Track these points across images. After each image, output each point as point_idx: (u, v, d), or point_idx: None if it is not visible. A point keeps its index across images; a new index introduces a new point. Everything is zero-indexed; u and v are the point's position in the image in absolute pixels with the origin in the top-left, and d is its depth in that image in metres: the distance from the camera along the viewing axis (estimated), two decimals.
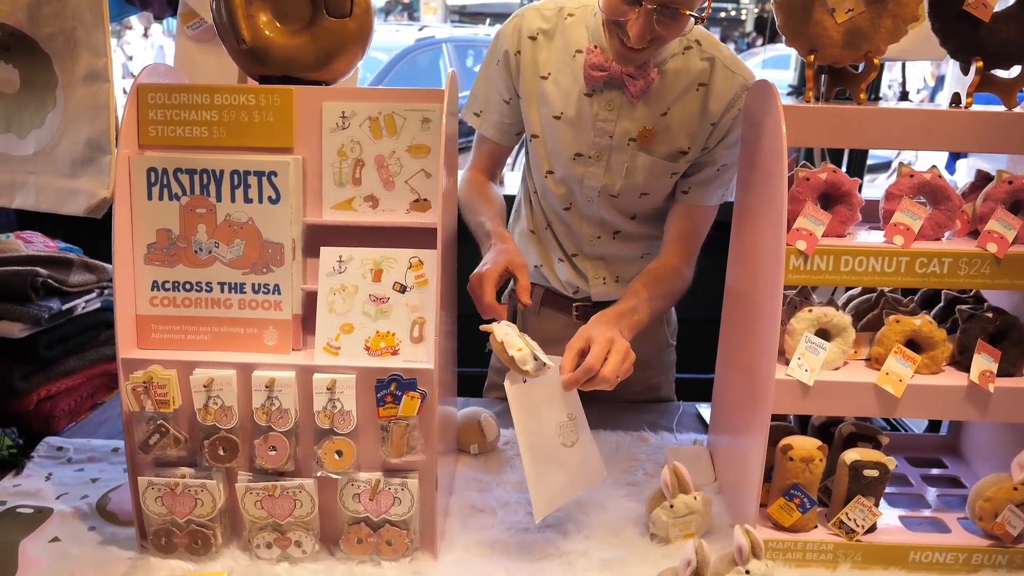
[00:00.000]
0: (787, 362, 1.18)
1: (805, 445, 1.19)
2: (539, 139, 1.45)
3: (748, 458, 1.23)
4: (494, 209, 1.41)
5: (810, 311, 1.20)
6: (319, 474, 1.14)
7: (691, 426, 1.60)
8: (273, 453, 1.14)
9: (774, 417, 1.16)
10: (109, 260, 1.18)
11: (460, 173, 1.48)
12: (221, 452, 1.14)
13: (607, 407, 1.63)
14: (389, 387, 1.11)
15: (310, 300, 1.17)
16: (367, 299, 1.14)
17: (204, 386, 1.12)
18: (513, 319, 1.27)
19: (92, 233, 1.60)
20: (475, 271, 1.28)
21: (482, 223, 1.39)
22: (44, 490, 1.33)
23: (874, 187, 1.33)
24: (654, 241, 1.51)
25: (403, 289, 1.14)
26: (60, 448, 1.45)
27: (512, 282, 1.32)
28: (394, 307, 1.14)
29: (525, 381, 1.15)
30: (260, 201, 1.15)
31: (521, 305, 1.28)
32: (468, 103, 1.48)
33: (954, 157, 3.15)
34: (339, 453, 1.14)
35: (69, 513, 1.27)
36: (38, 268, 1.51)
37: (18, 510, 1.27)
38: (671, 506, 1.22)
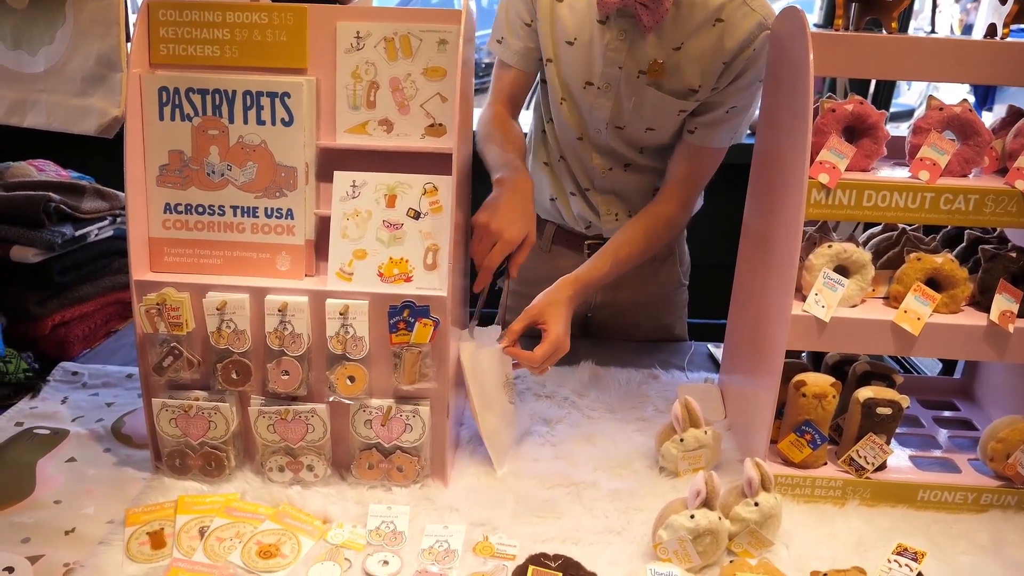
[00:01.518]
0: (804, 299, 1.16)
1: (819, 382, 1.18)
2: (553, 63, 1.42)
3: (760, 394, 1.22)
4: (518, 148, 1.38)
5: (829, 247, 1.18)
6: (331, 399, 1.14)
7: (703, 365, 1.60)
8: (286, 377, 1.14)
9: (788, 355, 1.15)
10: (121, 190, 1.17)
11: (478, 112, 1.45)
12: (234, 375, 1.14)
13: (619, 346, 1.63)
14: (402, 313, 1.11)
15: (323, 225, 1.17)
16: (381, 225, 1.14)
17: (217, 309, 1.12)
18: (495, 290, 1.27)
19: (102, 162, 1.58)
20: (490, 219, 1.20)
21: (506, 157, 1.35)
22: (60, 412, 1.34)
23: (898, 131, 1.28)
24: (663, 175, 1.48)
25: (417, 215, 1.13)
26: (75, 373, 1.46)
27: (504, 265, 1.29)
28: (408, 233, 1.13)
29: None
30: (273, 123, 1.14)
31: (508, 275, 1.26)
32: (492, 32, 1.45)
33: (982, 104, 3.07)
34: (351, 379, 1.14)
35: (85, 435, 1.28)
36: (51, 193, 1.49)
37: (35, 431, 1.29)
38: (681, 440, 1.22)
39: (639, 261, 1.41)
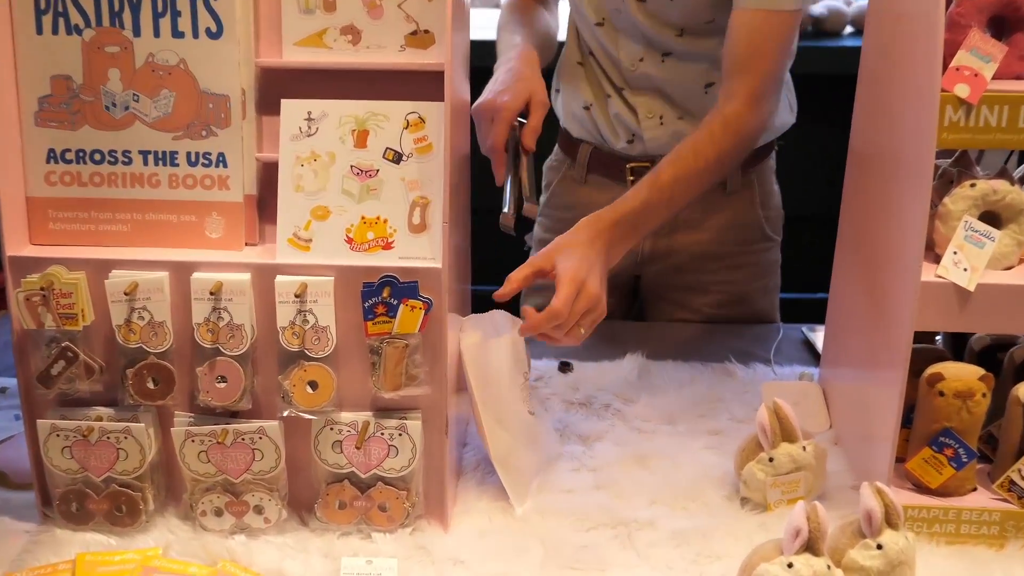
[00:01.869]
0: (937, 259, 1.15)
1: (962, 375, 1.17)
2: None
3: (880, 394, 1.22)
4: (534, 31, 1.45)
5: (972, 186, 1.16)
6: (286, 414, 1.14)
7: (796, 356, 1.60)
8: (222, 386, 1.13)
9: (918, 337, 1.14)
10: None
11: (488, 13, 1.57)
12: (151, 385, 1.14)
13: (678, 330, 1.63)
14: (380, 293, 1.10)
15: (268, 175, 1.17)
16: (348, 172, 1.13)
17: (125, 294, 1.11)
18: (515, 165, 1.35)
19: None
20: (485, 97, 1.32)
21: (512, 40, 1.43)
22: None
23: None
24: (720, 67, 1.48)
25: (398, 158, 1.13)
26: None
27: (518, 128, 1.36)
28: (385, 183, 1.13)
29: None
30: (195, 35, 1.13)
31: (524, 150, 1.34)
32: None
33: None
34: (313, 385, 1.13)
35: None
36: None
37: None
38: (770, 460, 1.22)
39: (692, 190, 1.38)
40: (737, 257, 1.68)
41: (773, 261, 1.72)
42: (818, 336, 1.61)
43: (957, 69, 1.10)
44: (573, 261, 1.24)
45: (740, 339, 1.62)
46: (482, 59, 1.42)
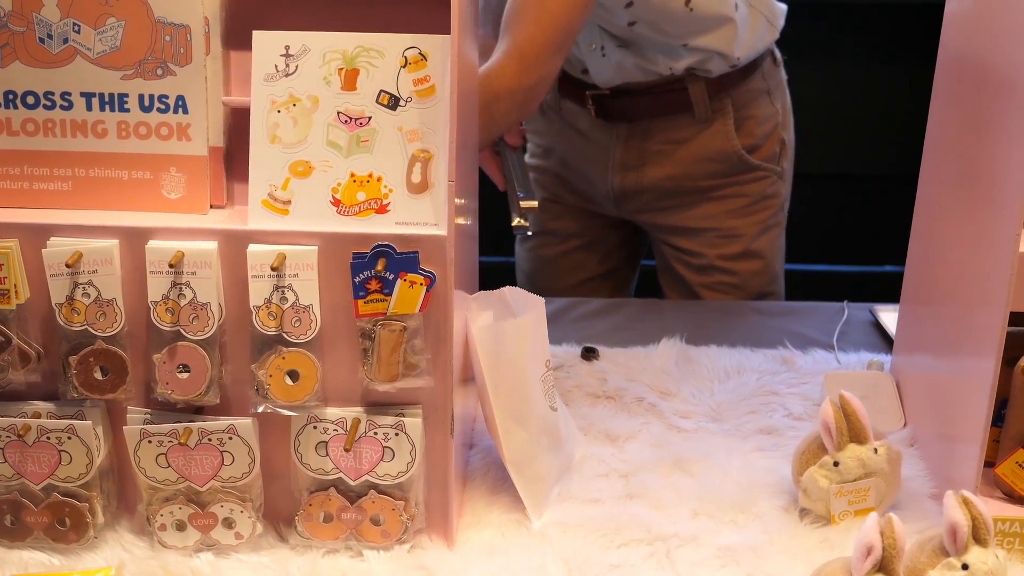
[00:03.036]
0: None
1: None
2: None
3: (965, 386, 1.22)
4: None
5: None
6: (261, 409, 1.14)
7: (863, 340, 1.61)
8: (185, 376, 1.14)
9: (1013, 319, 1.14)
10: None
11: None
12: (98, 375, 1.14)
13: (720, 307, 1.63)
14: (374, 266, 1.10)
15: (238, 123, 1.16)
16: (334, 120, 1.13)
17: (67, 266, 1.11)
18: (508, 165, 1.51)
19: None
20: None
21: None
22: None
23: None
24: None
25: (394, 103, 1.12)
26: None
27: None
28: (379, 133, 1.13)
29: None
30: None
31: (509, 148, 1.46)
32: None
33: None
34: (293, 375, 1.13)
35: None
36: None
37: None
38: (835, 464, 1.22)
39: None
40: (718, 190, 1.77)
41: (769, 195, 1.81)
42: (890, 317, 1.62)
43: None
44: None
45: (797, 320, 1.63)
46: None
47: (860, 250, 2.01)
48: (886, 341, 1.60)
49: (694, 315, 1.59)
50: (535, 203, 1.39)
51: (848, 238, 1.90)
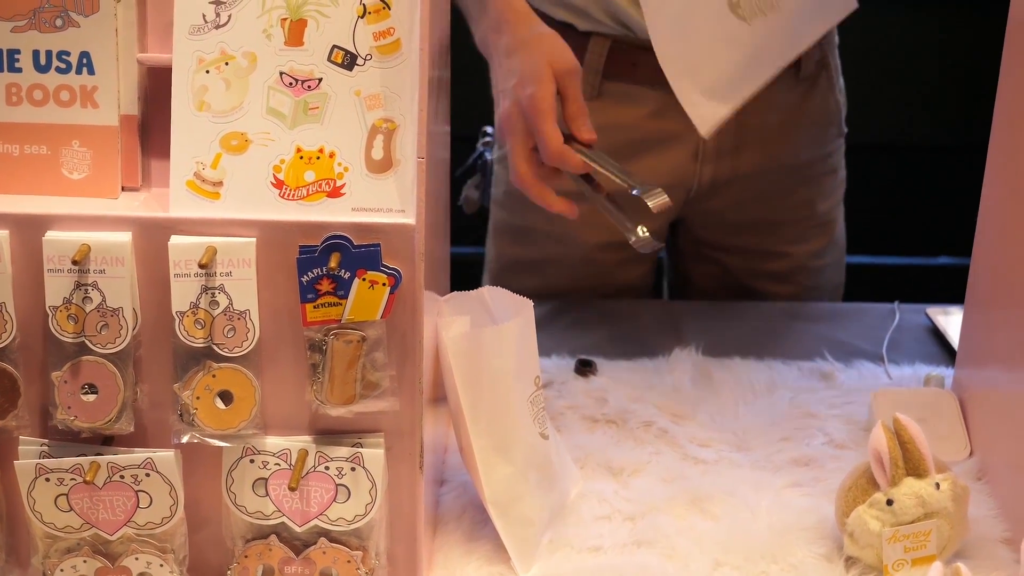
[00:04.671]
0: None
1: None
2: None
3: None
4: None
5: None
6: (185, 439, 1.14)
7: (919, 350, 1.62)
8: (91, 399, 1.13)
9: None
10: None
11: None
12: None
13: (743, 309, 1.63)
14: (326, 262, 1.09)
15: (157, 86, 1.16)
16: (276, 82, 1.12)
17: None
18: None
19: None
20: (505, 102, 1.36)
21: None
22: None
23: None
24: None
25: (350, 61, 1.12)
26: None
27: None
28: (332, 99, 1.13)
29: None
30: None
31: (584, 144, 1.38)
32: None
33: None
34: (225, 397, 1.13)
35: None
36: None
37: None
38: (889, 502, 1.22)
39: None
40: (812, 168, 1.77)
41: (842, 166, 1.84)
42: (950, 321, 1.62)
43: None
44: None
45: (838, 325, 1.64)
46: None
47: (910, 239, 2.01)
48: (946, 351, 1.60)
49: (712, 319, 1.58)
50: (663, 197, 1.34)
51: (895, 224, 1.90)
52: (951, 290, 1.54)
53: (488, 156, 1.81)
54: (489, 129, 1.79)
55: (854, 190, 1.87)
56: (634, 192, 1.33)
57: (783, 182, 1.75)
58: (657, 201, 1.31)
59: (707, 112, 1.43)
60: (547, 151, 1.34)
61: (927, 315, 1.67)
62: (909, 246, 2.09)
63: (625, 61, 1.66)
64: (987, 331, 1.43)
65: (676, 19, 1.41)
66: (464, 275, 1.68)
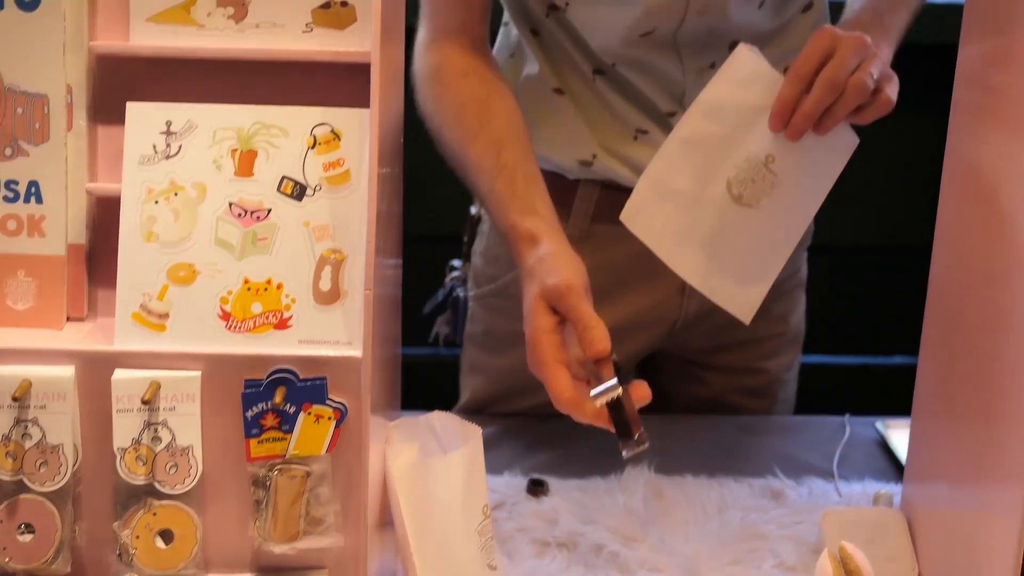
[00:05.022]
0: None
1: None
2: None
3: (991, 526, 1.21)
4: (514, 142, 1.41)
5: None
6: None
7: (869, 465, 1.61)
8: (27, 539, 1.12)
9: None
10: None
11: (418, 42, 1.49)
12: None
13: (695, 424, 1.62)
14: (271, 397, 1.10)
15: (105, 216, 1.17)
16: (225, 213, 1.13)
17: None
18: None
19: None
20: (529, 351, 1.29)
21: (496, 197, 1.39)
22: None
23: None
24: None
25: (299, 192, 1.13)
26: None
27: None
28: (281, 230, 1.13)
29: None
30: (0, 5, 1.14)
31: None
32: None
33: None
34: (166, 536, 1.12)
35: None
36: None
37: None
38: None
39: None
40: (791, 280, 1.78)
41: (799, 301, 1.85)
42: (899, 436, 1.62)
43: None
44: (843, 34, 1.35)
45: (789, 438, 1.63)
46: None
47: (864, 338, 2.02)
48: (895, 467, 1.60)
49: (666, 434, 1.58)
50: (643, 447, 1.28)
51: (849, 323, 1.91)
52: (907, 392, 1.54)
53: (459, 292, 1.79)
54: (456, 263, 1.78)
55: (810, 291, 1.88)
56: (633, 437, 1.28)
57: (763, 301, 1.73)
58: (635, 452, 1.27)
59: (744, 300, 1.42)
60: (557, 403, 1.26)
61: (877, 428, 1.67)
62: (864, 346, 2.10)
63: (614, 204, 1.60)
64: (933, 446, 1.42)
65: (684, 235, 1.39)
66: (418, 376, 1.68)
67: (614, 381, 1.23)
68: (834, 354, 2.25)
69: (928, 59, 1.67)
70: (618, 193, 1.61)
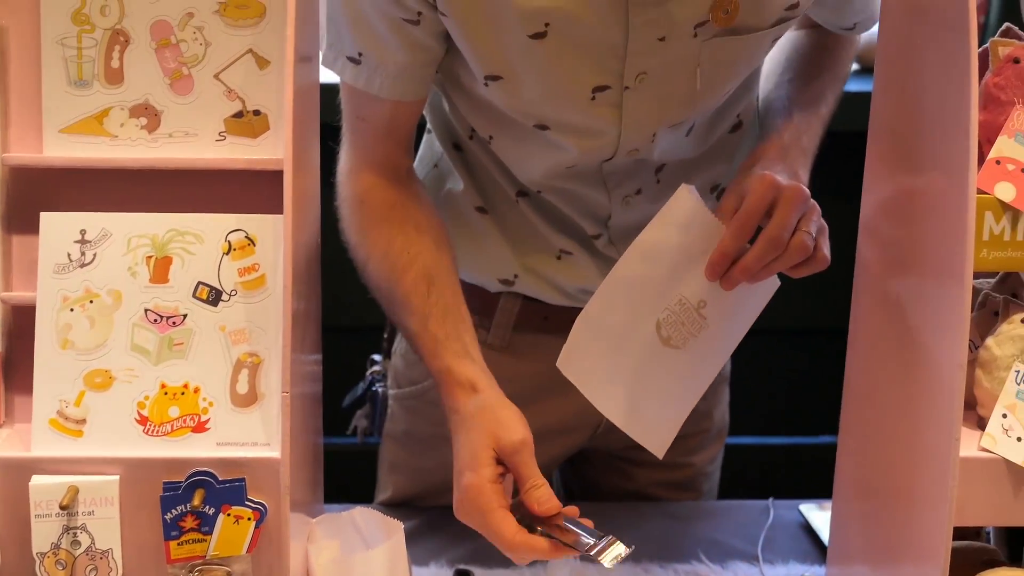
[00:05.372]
0: (981, 424, 1.18)
1: None
2: (505, 81, 1.43)
3: None
4: (443, 295, 1.39)
5: None
6: None
7: (793, 549, 1.60)
8: None
9: (958, 533, 1.15)
10: None
11: (340, 169, 1.46)
12: None
13: (623, 512, 1.63)
14: (190, 499, 1.09)
15: (21, 324, 1.16)
16: (141, 319, 1.13)
17: None
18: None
19: None
20: (456, 493, 1.29)
21: (428, 337, 1.38)
22: None
23: None
24: (729, 166, 1.56)
25: (215, 297, 1.13)
26: None
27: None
28: (197, 335, 1.13)
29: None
30: None
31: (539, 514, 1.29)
32: (329, 43, 1.44)
33: None
34: None
35: None
36: None
37: None
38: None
39: (834, 79, 1.60)
40: (716, 377, 1.73)
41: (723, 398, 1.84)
42: (822, 518, 1.62)
43: (998, 162, 1.13)
44: (759, 175, 1.35)
45: (713, 523, 1.62)
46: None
47: (789, 419, 2.03)
48: (819, 549, 1.58)
49: (593, 518, 1.58)
50: (622, 549, 1.27)
51: (773, 404, 1.92)
52: (831, 471, 1.54)
53: (378, 388, 1.76)
54: (377, 357, 1.77)
55: (734, 374, 1.88)
56: (592, 553, 1.27)
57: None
58: (612, 556, 1.26)
59: (659, 437, 1.42)
60: (503, 547, 1.25)
61: (800, 512, 1.67)
62: (789, 427, 2.10)
63: (536, 315, 1.63)
64: (853, 528, 1.42)
65: (611, 374, 1.39)
66: (338, 466, 1.66)
67: (612, 538, 1.25)
68: (759, 435, 2.26)
69: (842, 145, 1.70)
70: (539, 304, 1.63)
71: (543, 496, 1.27)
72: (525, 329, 1.65)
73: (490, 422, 1.29)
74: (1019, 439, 1.16)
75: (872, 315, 1.37)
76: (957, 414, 1.13)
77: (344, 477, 1.69)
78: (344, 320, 1.49)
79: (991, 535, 1.40)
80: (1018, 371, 1.18)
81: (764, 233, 1.33)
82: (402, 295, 1.39)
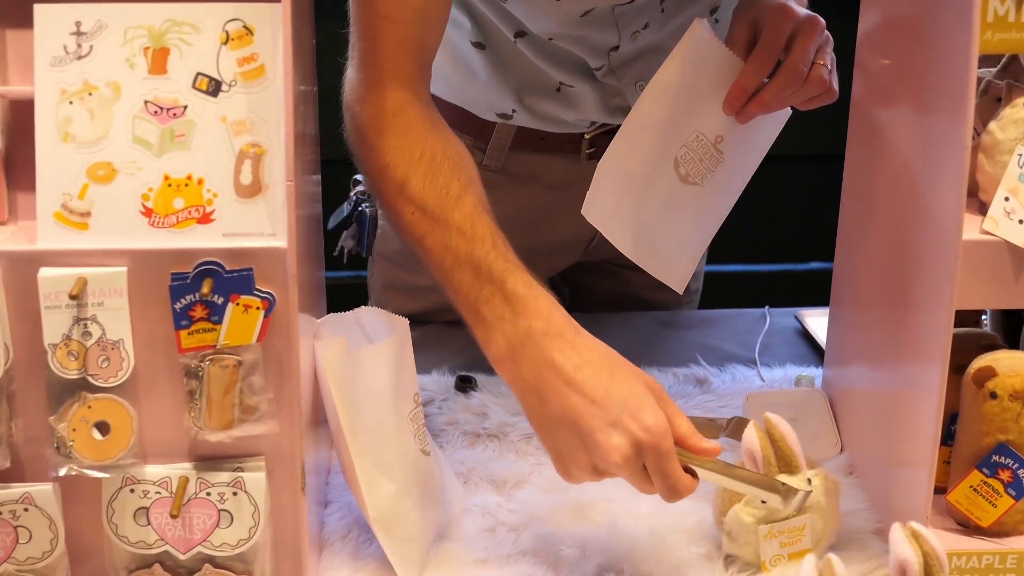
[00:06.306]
0: (983, 208, 1.18)
1: (1021, 370, 1.21)
2: None
3: (909, 401, 1.24)
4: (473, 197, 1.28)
5: None
6: (63, 472, 1.12)
7: (789, 352, 1.65)
8: None
9: (959, 318, 1.17)
10: None
11: (352, 88, 1.34)
12: None
13: (619, 320, 1.65)
14: (198, 288, 1.09)
15: (20, 118, 1.15)
16: (141, 111, 1.12)
17: None
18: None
19: None
20: (615, 438, 1.17)
21: (496, 258, 1.27)
22: None
23: None
24: None
25: (215, 88, 1.12)
26: None
27: None
28: (199, 126, 1.12)
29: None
30: None
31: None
32: None
33: None
34: (102, 428, 1.12)
35: None
36: None
37: None
38: (763, 500, 1.24)
39: None
40: None
41: None
42: (818, 323, 1.65)
43: None
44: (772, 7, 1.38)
45: (711, 331, 1.65)
46: None
47: (778, 246, 2.04)
48: (816, 352, 1.62)
49: (589, 330, 1.60)
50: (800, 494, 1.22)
51: (763, 231, 1.93)
52: (823, 294, 1.56)
53: (365, 207, 1.76)
54: (360, 177, 1.75)
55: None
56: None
57: None
58: (795, 502, 1.22)
59: (678, 272, 1.47)
60: (680, 495, 1.19)
61: (796, 318, 1.70)
62: (780, 253, 2.12)
63: (532, 135, 1.65)
64: (850, 331, 1.46)
65: (632, 215, 1.41)
66: (339, 299, 1.68)
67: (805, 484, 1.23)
68: (754, 263, 2.28)
69: None
70: (529, 132, 1.65)
71: (701, 438, 1.21)
72: (521, 149, 1.67)
73: (632, 367, 1.25)
74: (1021, 221, 1.17)
75: (871, 114, 1.38)
76: (960, 198, 1.14)
77: (333, 309, 1.70)
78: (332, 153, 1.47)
79: (989, 322, 1.43)
80: (1020, 154, 1.19)
81: (784, 67, 1.35)
82: (458, 220, 1.28)
